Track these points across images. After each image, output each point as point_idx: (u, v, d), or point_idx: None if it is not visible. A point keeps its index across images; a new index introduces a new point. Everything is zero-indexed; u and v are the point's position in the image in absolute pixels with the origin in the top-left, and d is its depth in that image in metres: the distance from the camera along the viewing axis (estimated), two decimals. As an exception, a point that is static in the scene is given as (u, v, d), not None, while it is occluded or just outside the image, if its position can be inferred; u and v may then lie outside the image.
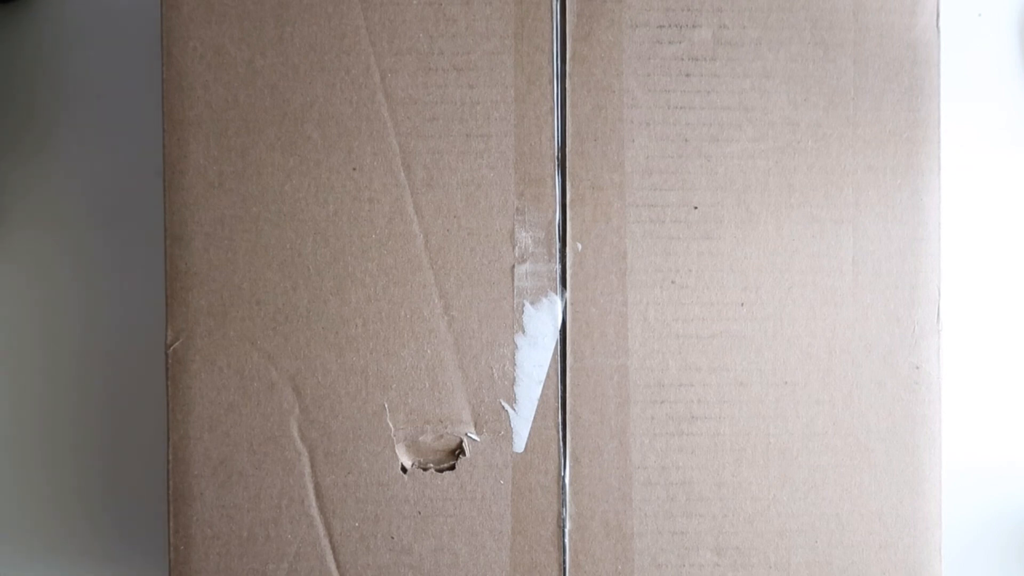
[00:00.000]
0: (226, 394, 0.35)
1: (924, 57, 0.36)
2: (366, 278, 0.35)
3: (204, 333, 0.35)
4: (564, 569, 0.36)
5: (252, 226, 0.35)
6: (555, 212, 0.36)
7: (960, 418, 0.45)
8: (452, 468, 0.36)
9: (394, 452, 0.36)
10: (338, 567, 0.36)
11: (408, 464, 0.36)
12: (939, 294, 0.36)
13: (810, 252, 0.36)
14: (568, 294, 0.36)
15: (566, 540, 0.36)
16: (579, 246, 0.36)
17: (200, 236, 0.35)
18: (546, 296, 0.36)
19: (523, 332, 0.36)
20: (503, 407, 0.36)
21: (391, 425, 0.36)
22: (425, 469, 0.36)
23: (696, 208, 0.36)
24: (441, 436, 0.36)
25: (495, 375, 0.36)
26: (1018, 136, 0.46)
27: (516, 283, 0.36)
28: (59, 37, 0.44)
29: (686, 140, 0.36)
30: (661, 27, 0.36)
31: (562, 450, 0.36)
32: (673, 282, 0.36)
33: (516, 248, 0.36)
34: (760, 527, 0.36)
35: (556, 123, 0.36)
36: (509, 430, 0.36)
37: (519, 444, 0.36)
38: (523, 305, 0.36)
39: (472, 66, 0.35)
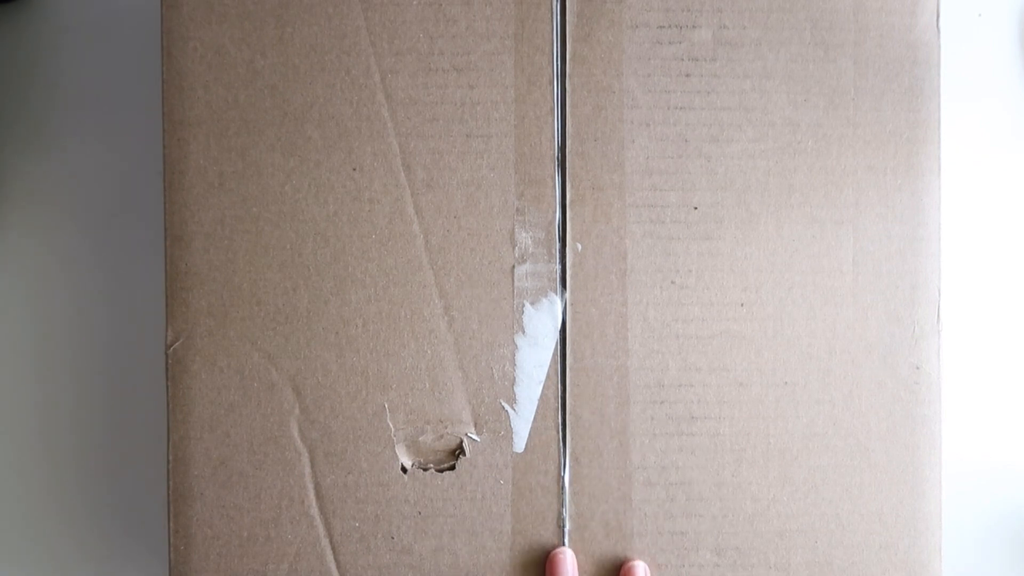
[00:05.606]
0: (226, 394, 0.35)
1: (924, 57, 0.36)
2: (366, 278, 0.35)
3: (204, 333, 0.35)
4: (564, 569, 0.36)
5: (252, 226, 0.35)
6: (555, 212, 0.36)
7: (960, 418, 0.45)
8: (452, 468, 0.36)
9: (394, 452, 0.36)
10: (338, 567, 0.36)
11: (408, 464, 0.36)
12: (939, 294, 0.36)
13: (810, 252, 0.36)
14: (568, 294, 0.36)
15: (566, 540, 0.36)
16: (579, 246, 0.36)
17: (200, 236, 0.35)
18: (546, 296, 0.36)
19: (523, 332, 0.36)
20: (503, 407, 0.36)
21: (391, 425, 0.36)
22: (425, 469, 0.36)
23: (696, 208, 0.36)
24: (441, 436, 0.36)
25: (495, 375, 0.36)
26: (1018, 136, 0.46)
27: (516, 283, 0.36)
28: (59, 37, 0.44)
29: (686, 140, 0.36)
30: (661, 27, 0.36)
31: (562, 450, 0.36)
32: (673, 282, 0.36)
33: (516, 248, 0.36)
34: (760, 527, 0.36)
35: (556, 123, 0.36)
36: (509, 430, 0.36)
37: (519, 444, 0.36)
38: (523, 305, 0.36)
39: (472, 66, 0.35)
